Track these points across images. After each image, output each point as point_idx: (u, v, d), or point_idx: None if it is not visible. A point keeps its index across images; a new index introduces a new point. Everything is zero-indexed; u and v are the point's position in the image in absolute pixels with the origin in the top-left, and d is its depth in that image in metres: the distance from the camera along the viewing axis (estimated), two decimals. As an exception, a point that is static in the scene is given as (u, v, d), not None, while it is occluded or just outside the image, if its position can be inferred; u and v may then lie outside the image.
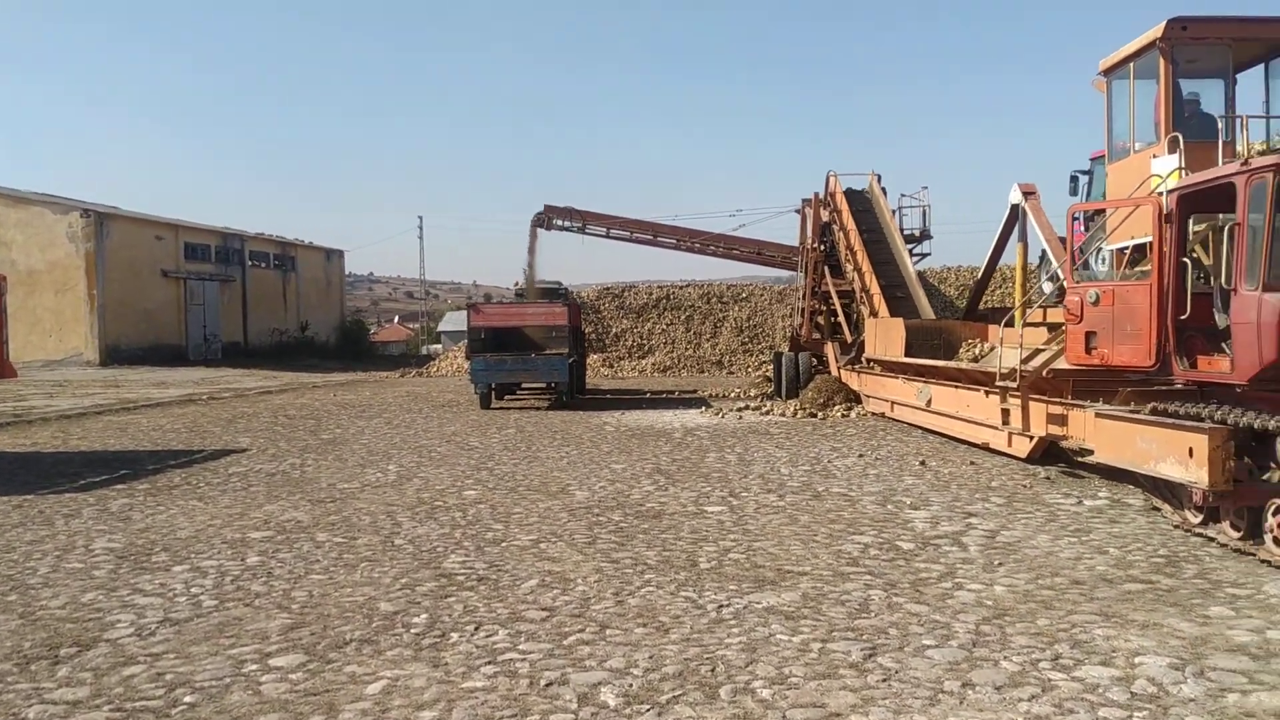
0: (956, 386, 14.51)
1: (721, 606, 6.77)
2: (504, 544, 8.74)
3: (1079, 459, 11.40)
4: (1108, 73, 13.13)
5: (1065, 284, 10.00)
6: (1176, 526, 8.77)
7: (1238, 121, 11.33)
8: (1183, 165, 10.99)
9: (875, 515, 9.75)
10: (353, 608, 6.89)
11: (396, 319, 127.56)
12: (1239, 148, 11.16)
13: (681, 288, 39.98)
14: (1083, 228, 18.52)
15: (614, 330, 38.66)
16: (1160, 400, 9.08)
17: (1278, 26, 11.74)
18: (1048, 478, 11.59)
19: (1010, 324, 13.06)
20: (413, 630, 6.37)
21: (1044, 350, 11.85)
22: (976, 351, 16.84)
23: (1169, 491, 9.01)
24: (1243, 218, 7.84)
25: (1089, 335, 9.52)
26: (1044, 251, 17.47)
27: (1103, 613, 6.55)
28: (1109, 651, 5.80)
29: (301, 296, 60.40)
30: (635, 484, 11.77)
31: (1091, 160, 17.97)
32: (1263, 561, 7.57)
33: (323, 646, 6.08)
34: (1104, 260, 15.50)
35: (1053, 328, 14.03)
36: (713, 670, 5.59)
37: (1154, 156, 11.85)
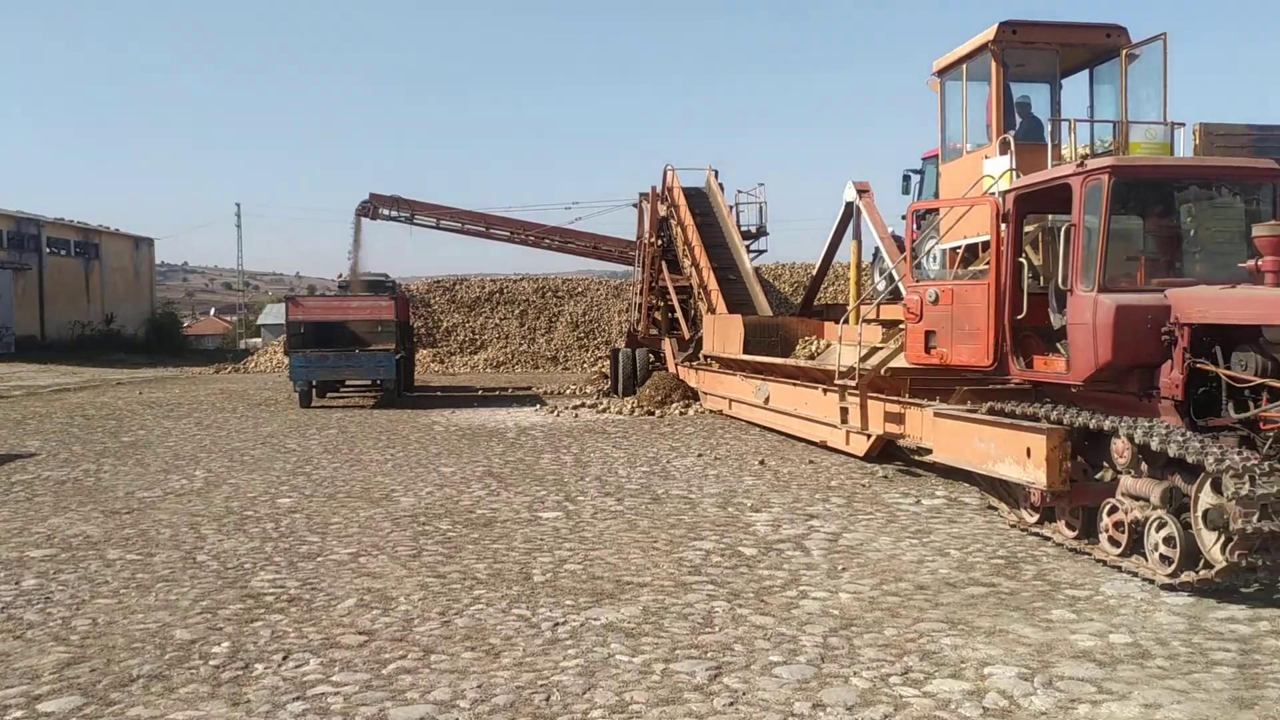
0: (794, 384, 14.44)
1: (557, 625, 6.30)
2: (320, 558, 8.04)
3: (916, 457, 11.43)
4: (942, 73, 13.26)
5: (904, 282, 9.94)
6: (1013, 526, 8.77)
7: (1065, 125, 11.59)
8: (1014, 166, 11.15)
9: (716, 519, 9.45)
10: (143, 637, 6.12)
11: (213, 311, 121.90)
12: (1065, 151, 11.42)
13: (515, 281, 39.28)
14: (915, 226, 18.87)
15: (445, 325, 37.64)
16: (996, 400, 9.08)
17: (1101, 33, 12.04)
18: (886, 476, 11.56)
19: (848, 321, 13.04)
20: (211, 662, 5.67)
21: (882, 348, 11.83)
22: (813, 349, 16.90)
23: (1005, 491, 9.02)
24: (1078, 219, 7.85)
25: (928, 334, 9.46)
26: (877, 249, 17.67)
27: (949, 619, 6.38)
28: (958, 662, 5.60)
29: (107, 287, 56.71)
30: (465, 489, 11.17)
31: (924, 160, 18.30)
32: (1098, 561, 7.59)
33: (104, 685, 5.32)
34: (935, 259, 15.74)
35: (887, 325, 14.12)
36: (547, 699, 5.12)
37: (986, 157, 12.00)
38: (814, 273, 21.14)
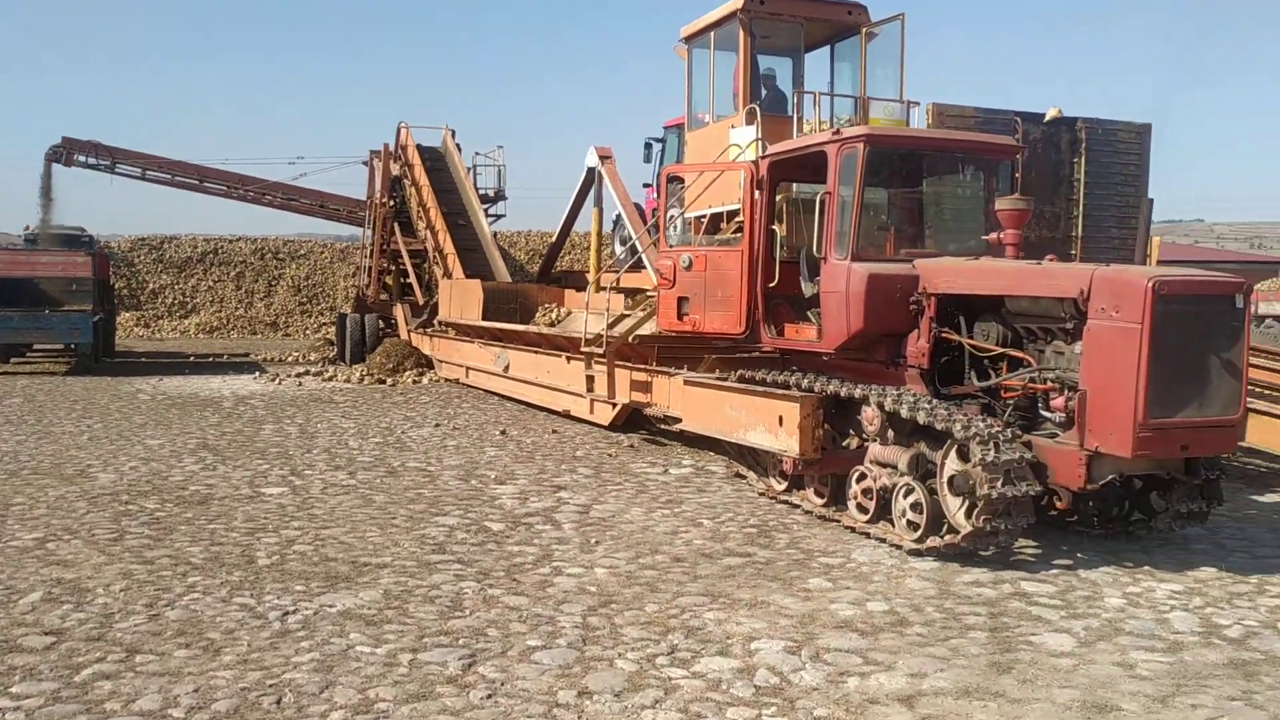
0: (536, 352, 14.02)
1: (287, 614, 5.61)
2: (-4, 546, 6.89)
3: (663, 426, 11.29)
4: (689, 40, 13.11)
5: (656, 248, 9.71)
6: (762, 494, 8.75)
7: (810, 98, 11.71)
8: (760, 136, 11.15)
9: (459, 492, 8.91)
10: None
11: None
12: (809, 124, 11.53)
13: (232, 242, 36.55)
14: (655, 194, 18.82)
15: (151, 286, 34.59)
16: (745, 368, 9.02)
17: (843, 10, 12.24)
18: (632, 445, 11.37)
19: (595, 289, 12.75)
20: None
21: (629, 315, 11.60)
22: (553, 316, 16.55)
23: (753, 459, 8.98)
24: (833, 187, 7.83)
25: (681, 301, 9.27)
26: (619, 216, 17.51)
27: (709, 592, 6.17)
28: (724, 638, 5.38)
29: None
30: (176, 463, 10.04)
31: (666, 128, 18.27)
32: (847, 528, 7.63)
33: None
34: (677, 228, 15.72)
35: (629, 293, 13.93)
36: (279, 701, 4.48)
37: (733, 127, 11.95)
38: (553, 240, 20.78)
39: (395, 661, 4.97)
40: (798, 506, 8.28)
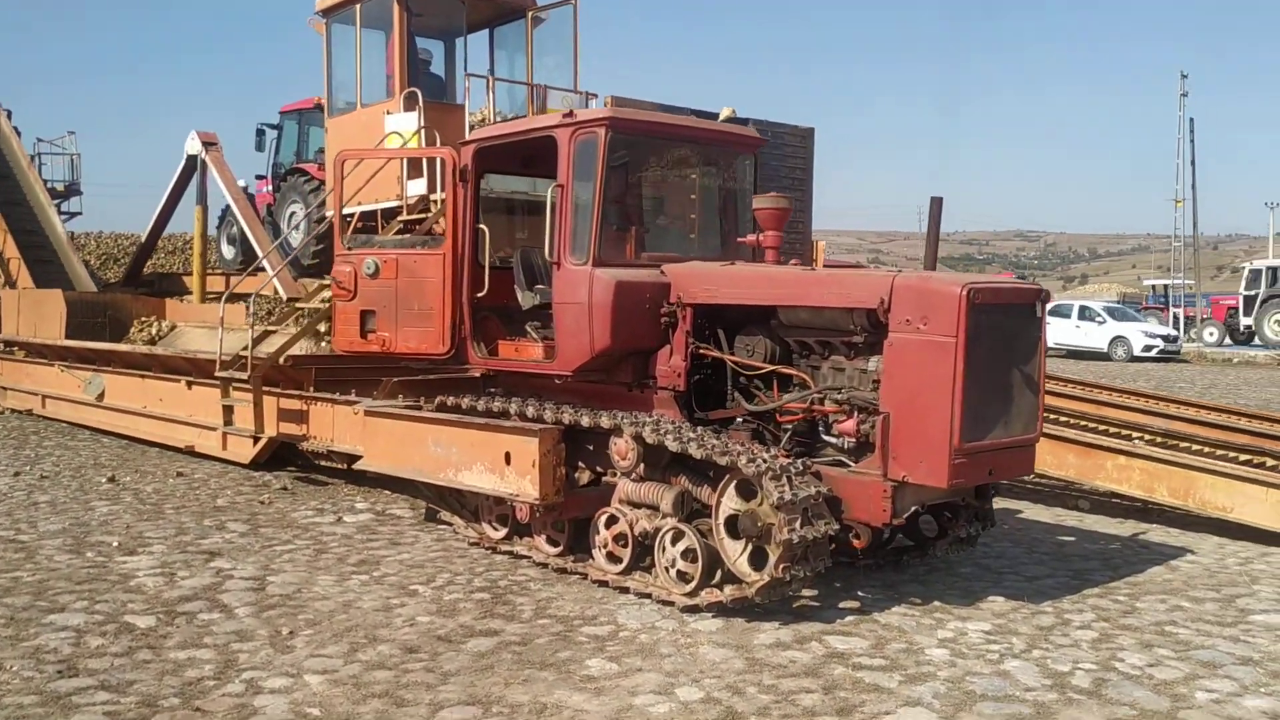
0: (143, 376, 11.50)
1: None
2: None
3: (320, 462, 9.47)
4: (328, 13, 11.36)
5: (334, 251, 7.96)
6: (474, 544, 7.33)
7: (483, 83, 10.46)
8: (424, 124, 9.74)
9: (74, 572, 6.69)
10: None
11: None
12: (480, 113, 10.31)
13: None
14: (269, 186, 16.59)
15: None
16: (437, 393, 7.57)
17: (507, -11, 11.07)
18: (285, 487, 9.41)
19: (232, 299, 10.61)
20: None
21: (276, 332, 9.64)
22: (154, 331, 13.95)
23: (457, 500, 7.56)
24: (567, 179, 6.60)
25: (365, 315, 7.59)
26: (226, 210, 15.22)
27: (474, 698, 4.75)
28: (524, 769, 4.02)
29: None
30: None
31: (283, 114, 16.18)
32: (596, 583, 6.44)
33: None
34: (301, 228, 13.78)
35: (240, 299, 11.69)
36: None
37: (388, 113, 10.40)
38: (142, 240, 17.76)
39: None
40: (526, 558, 6.97)
